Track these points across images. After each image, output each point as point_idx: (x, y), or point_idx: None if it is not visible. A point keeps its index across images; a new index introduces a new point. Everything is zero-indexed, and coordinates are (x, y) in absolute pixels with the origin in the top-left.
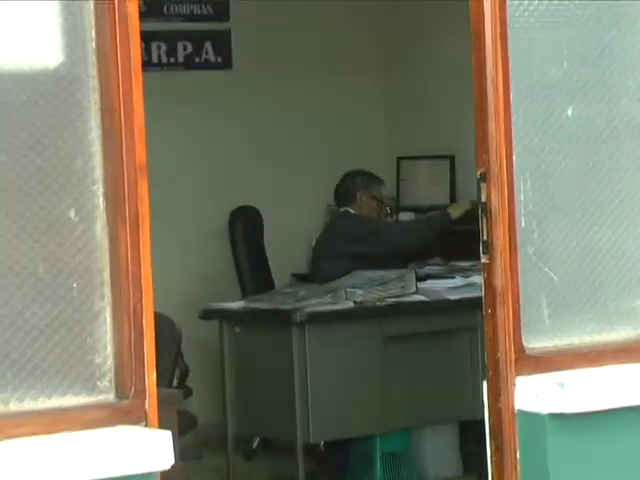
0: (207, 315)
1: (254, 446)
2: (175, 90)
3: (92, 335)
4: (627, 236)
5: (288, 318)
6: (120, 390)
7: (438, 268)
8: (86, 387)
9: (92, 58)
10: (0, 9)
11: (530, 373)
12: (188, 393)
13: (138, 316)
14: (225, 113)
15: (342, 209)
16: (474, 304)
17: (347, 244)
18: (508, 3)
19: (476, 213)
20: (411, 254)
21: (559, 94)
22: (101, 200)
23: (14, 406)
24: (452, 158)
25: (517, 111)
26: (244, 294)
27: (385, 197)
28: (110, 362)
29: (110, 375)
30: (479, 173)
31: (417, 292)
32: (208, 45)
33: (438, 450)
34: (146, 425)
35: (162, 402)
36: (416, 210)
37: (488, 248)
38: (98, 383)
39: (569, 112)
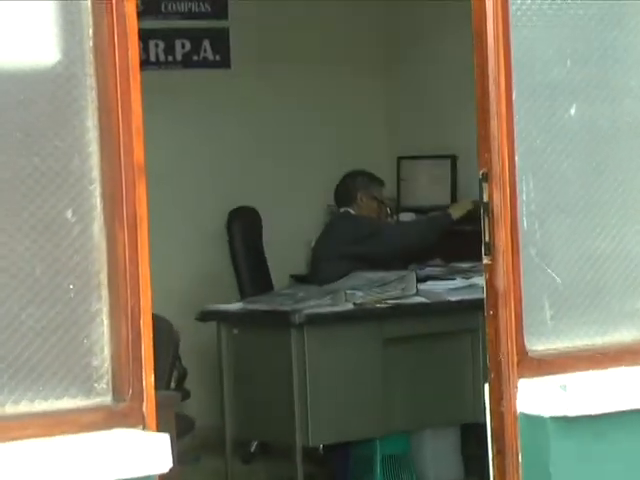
0: (205, 317)
1: (252, 449)
2: (173, 89)
3: (89, 337)
4: (631, 237)
5: (287, 320)
6: (117, 393)
7: (438, 269)
8: (83, 390)
9: (89, 56)
10: None
11: (532, 375)
12: (186, 396)
13: (136, 318)
14: (223, 112)
15: (342, 209)
16: (475, 305)
17: (347, 245)
18: (510, 2)
19: (477, 213)
20: (411, 255)
21: (562, 94)
22: (98, 200)
23: (10, 409)
24: (453, 158)
25: (519, 111)
26: (242, 295)
27: (385, 197)
28: (107, 364)
29: (107, 377)
30: (481, 173)
31: (417, 293)
32: (206, 43)
33: (438, 453)
34: (144, 428)
35: (160, 405)
36: (417, 210)
37: (490, 249)
38: (95, 385)
39: (572, 112)
